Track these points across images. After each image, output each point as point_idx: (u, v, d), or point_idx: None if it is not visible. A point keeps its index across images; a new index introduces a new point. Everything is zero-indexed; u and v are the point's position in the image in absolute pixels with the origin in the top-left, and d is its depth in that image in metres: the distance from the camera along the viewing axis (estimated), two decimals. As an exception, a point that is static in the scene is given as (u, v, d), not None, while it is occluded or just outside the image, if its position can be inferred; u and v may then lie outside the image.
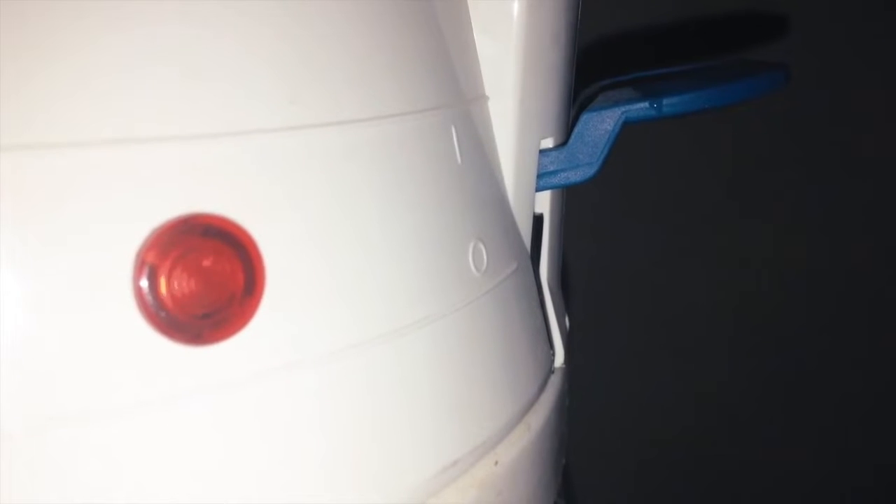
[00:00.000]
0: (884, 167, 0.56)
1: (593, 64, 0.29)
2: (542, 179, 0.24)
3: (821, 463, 0.62)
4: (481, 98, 0.22)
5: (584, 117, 0.24)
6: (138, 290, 0.15)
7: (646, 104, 0.23)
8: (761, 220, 0.58)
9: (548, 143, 0.24)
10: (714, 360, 0.60)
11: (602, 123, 0.24)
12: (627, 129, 0.24)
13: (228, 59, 0.16)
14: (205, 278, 0.15)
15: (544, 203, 0.25)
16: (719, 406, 0.61)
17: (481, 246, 0.21)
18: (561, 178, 0.24)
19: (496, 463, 0.21)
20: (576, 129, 0.24)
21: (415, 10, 0.20)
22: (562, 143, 0.24)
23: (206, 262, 0.15)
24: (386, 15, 0.19)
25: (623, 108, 0.23)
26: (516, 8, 0.22)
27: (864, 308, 0.60)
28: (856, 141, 0.56)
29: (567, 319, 0.27)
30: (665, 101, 0.23)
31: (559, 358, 0.26)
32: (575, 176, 0.24)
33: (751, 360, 0.60)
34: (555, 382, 0.24)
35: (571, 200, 0.28)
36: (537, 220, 0.25)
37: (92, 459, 0.15)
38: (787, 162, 0.57)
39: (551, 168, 0.24)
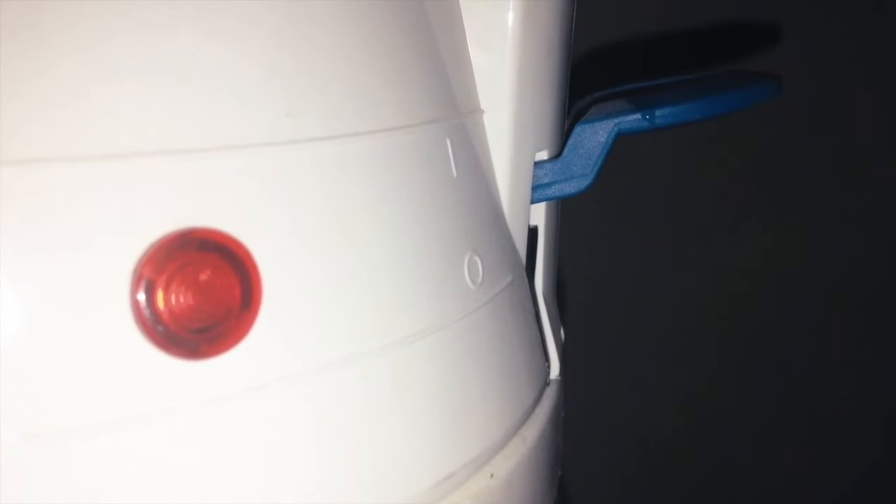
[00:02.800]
0: (878, 173, 0.57)
1: (586, 75, 0.29)
2: (537, 191, 0.24)
3: (814, 464, 0.62)
4: (476, 111, 0.22)
5: (578, 129, 0.24)
6: (135, 304, 0.15)
7: (638, 116, 0.23)
8: (755, 228, 0.58)
9: (542, 155, 0.24)
10: (710, 368, 0.60)
11: (595, 135, 0.24)
12: (621, 139, 0.24)
13: (224, 72, 0.16)
14: (202, 292, 0.15)
15: (539, 215, 0.25)
16: (715, 414, 0.61)
17: (477, 259, 0.21)
18: (555, 190, 0.24)
19: (492, 476, 0.21)
20: (569, 142, 0.24)
21: (410, 23, 0.20)
22: (556, 155, 0.24)
23: (203, 276, 0.15)
24: (381, 28, 0.19)
25: (616, 120, 0.23)
26: (511, 20, 0.22)
27: (858, 313, 0.60)
28: (850, 148, 0.56)
29: (562, 331, 0.27)
30: (658, 113, 0.23)
31: (554, 370, 0.26)
32: (569, 188, 0.24)
33: (746, 366, 0.60)
34: (550, 394, 0.24)
35: (566, 212, 0.28)
36: (532, 233, 0.25)
37: (87, 473, 0.15)
38: (781, 170, 0.57)
39: (546, 180, 0.24)
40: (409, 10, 0.21)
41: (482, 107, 0.23)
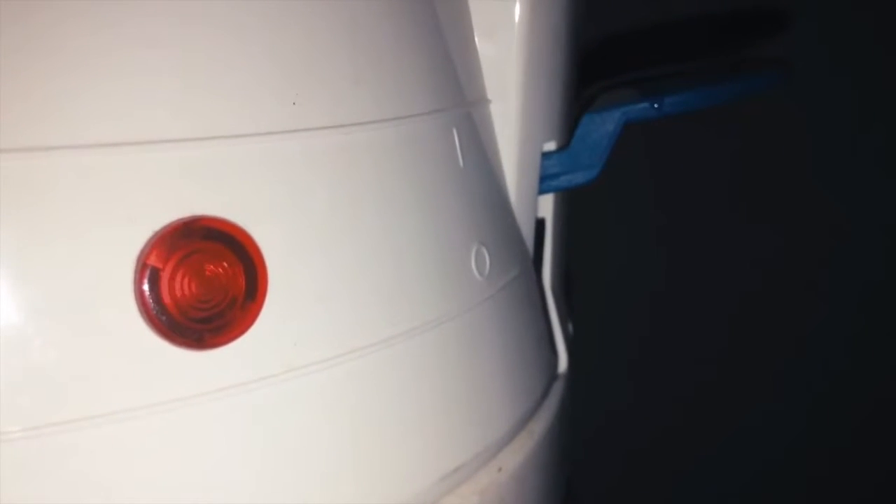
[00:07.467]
0: (889, 165, 0.56)
1: (593, 65, 0.29)
2: (545, 182, 0.24)
3: (814, 464, 0.62)
4: (483, 101, 0.22)
5: (585, 119, 0.24)
6: (140, 294, 0.15)
7: (646, 104, 0.23)
8: (764, 221, 0.58)
9: (550, 145, 0.24)
10: (717, 363, 0.60)
11: (603, 125, 0.23)
12: (630, 131, 0.23)
13: (230, 62, 0.16)
14: (206, 281, 0.15)
15: (547, 206, 0.25)
16: (724, 411, 0.61)
17: (484, 250, 0.21)
18: (563, 181, 0.24)
19: (499, 469, 0.20)
20: (577, 132, 0.24)
21: (416, 14, 0.20)
22: (564, 146, 0.24)
23: (208, 266, 0.15)
24: (387, 18, 0.19)
25: (624, 109, 0.23)
26: (518, 11, 0.22)
27: (865, 311, 0.59)
28: (861, 139, 0.56)
29: (570, 324, 0.27)
30: (666, 101, 0.23)
31: (562, 363, 0.25)
32: (577, 178, 0.24)
33: (752, 364, 0.60)
34: (558, 388, 0.24)
35: (576, 203, 0.28)
36: (540, 224, 0.25)
37: (92, 462, 0.15)
38: (791, 160, 0.56)
39: (553, 171, 0.24)
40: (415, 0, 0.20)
41: (489, 97, 0.22)
